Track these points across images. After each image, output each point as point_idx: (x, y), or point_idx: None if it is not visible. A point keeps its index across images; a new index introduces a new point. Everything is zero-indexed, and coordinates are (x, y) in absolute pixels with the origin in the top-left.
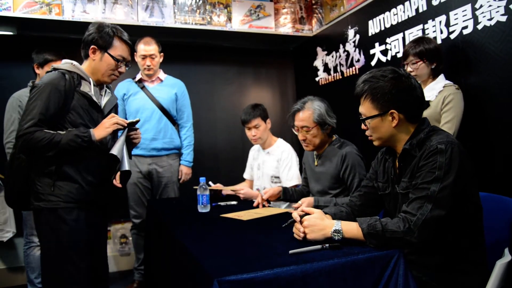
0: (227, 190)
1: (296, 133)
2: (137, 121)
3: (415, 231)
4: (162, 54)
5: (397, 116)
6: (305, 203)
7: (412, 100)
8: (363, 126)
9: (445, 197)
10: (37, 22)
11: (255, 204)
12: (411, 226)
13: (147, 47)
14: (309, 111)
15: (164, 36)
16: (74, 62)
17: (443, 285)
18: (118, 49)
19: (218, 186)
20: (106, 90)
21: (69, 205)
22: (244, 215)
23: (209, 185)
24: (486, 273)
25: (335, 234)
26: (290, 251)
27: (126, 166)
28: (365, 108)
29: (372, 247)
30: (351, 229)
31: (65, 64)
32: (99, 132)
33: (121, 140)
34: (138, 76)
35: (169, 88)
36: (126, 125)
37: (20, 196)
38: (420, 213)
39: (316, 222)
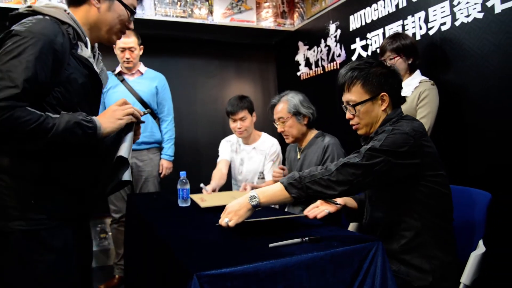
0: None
1: (276, 126)
2: (148, 112)
3: (333, 171)
4: (142, 46)
5: (387, 98)
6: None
7: (397, 83)
8: (348, 115)
9: (369, 156)
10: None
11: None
12: (331, 167)
13: (126, 40)
14: (284, 103)
15: (145, 29)
16: (67, 8)
17: (417, 277)
18: None
19: (208, 194)
20: (98, 56)
21: (56, 223)
22: (207, 200)
23: (202, 188)
24: (458, 264)
25: (252, 199)
26: (270, 245)
27: (127, 175)
28: (355, 94)
29: (294, 197)
30: (269, 188)
31: (54, 9)
32: (108, 123)
33: (129, 139)
34: (118, 69)
35: (149, 81)
36: (141, 117)
37: None
38: (345, 159)
39: (233, 203)
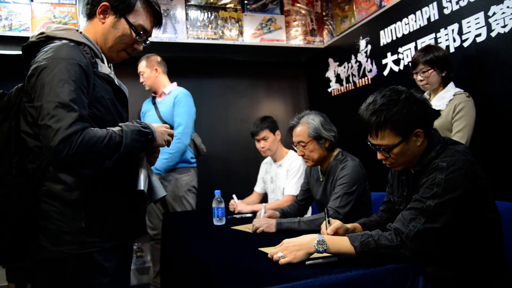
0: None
1: (295, 149)
2: None
3: (407, 243)
4: (156, 68)
5: (422, 133)
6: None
7: (427, 110)
8: (380, 156)
9: (439, 213)
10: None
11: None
12: (403, 238)
13: (138, 65)
14: (303, 126)
15: (177, 51)
16: (78, 28)
17: None
18: (141, 16)
19: (240, 205)
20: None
21: (108, 245)
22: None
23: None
24: (507, 286)
25: (320, 245)
26: (307, 262)
27: (162, 191)
28: (386, 139)
29: (366, 264)
30: (340, 242)
31: (66, 31)
32: (159, 136)
33: (144, 166)
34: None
35: (169, 100)
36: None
37: (14, 239)
38: (412, 225)
39: (293, 241)
